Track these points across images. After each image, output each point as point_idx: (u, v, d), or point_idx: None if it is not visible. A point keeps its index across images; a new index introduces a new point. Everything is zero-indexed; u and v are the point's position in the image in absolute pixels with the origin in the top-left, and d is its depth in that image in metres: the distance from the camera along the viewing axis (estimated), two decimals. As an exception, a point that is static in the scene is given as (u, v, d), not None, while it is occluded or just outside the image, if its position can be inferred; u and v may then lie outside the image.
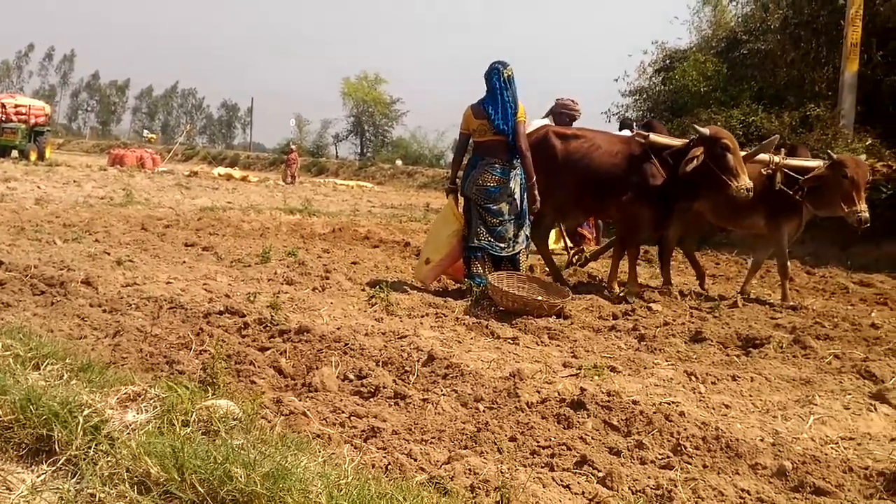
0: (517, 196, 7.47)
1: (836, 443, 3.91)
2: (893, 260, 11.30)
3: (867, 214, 7.40)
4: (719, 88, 18.97)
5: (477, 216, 7.44)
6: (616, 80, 23.30)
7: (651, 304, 7.18)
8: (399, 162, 51.53)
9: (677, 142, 7.72)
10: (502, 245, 7.44)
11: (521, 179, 7.51)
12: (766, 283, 9.58)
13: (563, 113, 8.39)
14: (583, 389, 4.31)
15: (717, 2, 24.58)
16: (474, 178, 7.41)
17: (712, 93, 18.98)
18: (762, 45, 19.43)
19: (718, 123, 14.87)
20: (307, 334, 5.22)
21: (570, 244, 9.53)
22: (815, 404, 4.46)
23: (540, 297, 6.76)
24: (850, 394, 4.73)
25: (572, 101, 8.76)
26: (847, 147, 12.81)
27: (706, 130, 7.37)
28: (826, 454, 3.67)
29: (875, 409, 4.46)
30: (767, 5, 20.73)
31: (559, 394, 4.35)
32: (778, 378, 4.98)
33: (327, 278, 7.72)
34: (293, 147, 38.26)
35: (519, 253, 7.56)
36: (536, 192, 7.37)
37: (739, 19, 22.94)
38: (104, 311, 5.80)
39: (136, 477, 2.66)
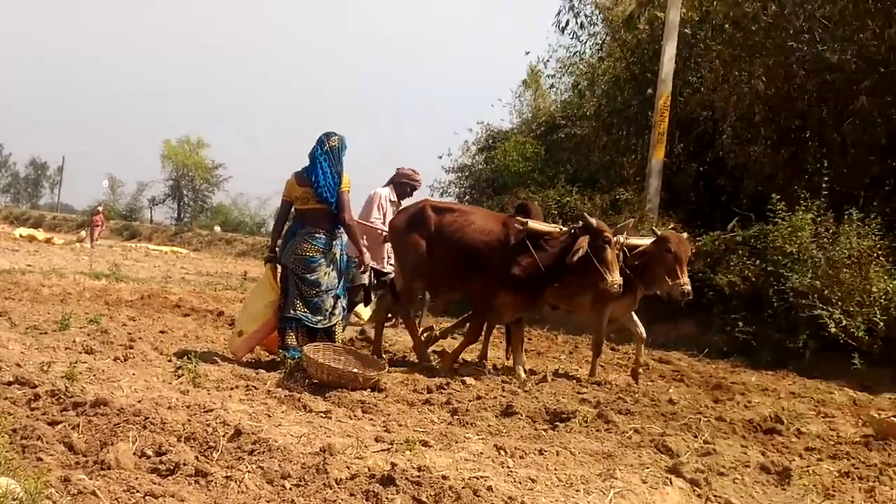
0: (337, 267, 7.40)
1: (635, 516, 4.03)
2: (689, 339, 11.99)
3: (689, 287, 7.80)
4: (537, 169, 19.80)
5: (294, 286, 7.29)
6: (440, 158, 23.91)
7: (465, 379, 7.24)
8: (218, 228, 50.39)
9: (555, 228, 7.79)
10: (318, 317, 7.32)
11: (342, 250, 7.46)
12: (575, 358, 9.91)
13: (404, 183, 8.44)
14: (393, 465, 4.25)
15: (538, 87, 25.83)
16: (293, 247, 7.28)
17: (531, 173, 19.77)
18: (578, 130, 20.50)
19: (536, 202, 15.50)
20: (104, 407, 4.89)
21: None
22: (616, 478, 4.58)
23: (355, 370, 6.69)
24: (648, 467, 4.90)
25: (413, 170, 8.84)
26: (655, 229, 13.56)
27: (593, 221, 7.41)
28: (625, 527, 3.76)
29: (671, 482, 4.63)
30: (584, 93, 21.95)
31: (369, 469, 4.27)
32: (582, 452, 5.10)
33: (131, 347, 7.34)
34: (99, 209, 36.66)
35: (335, 325, 7.47)
36: (366, 259, 7.44)
37: (558, 105, 24.17)
38: None
39: None
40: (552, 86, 25.55)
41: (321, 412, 5.69)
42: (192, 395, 5.76)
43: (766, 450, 5.61)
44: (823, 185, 12.24)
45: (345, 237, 7.52)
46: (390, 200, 9.00)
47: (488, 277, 7.60)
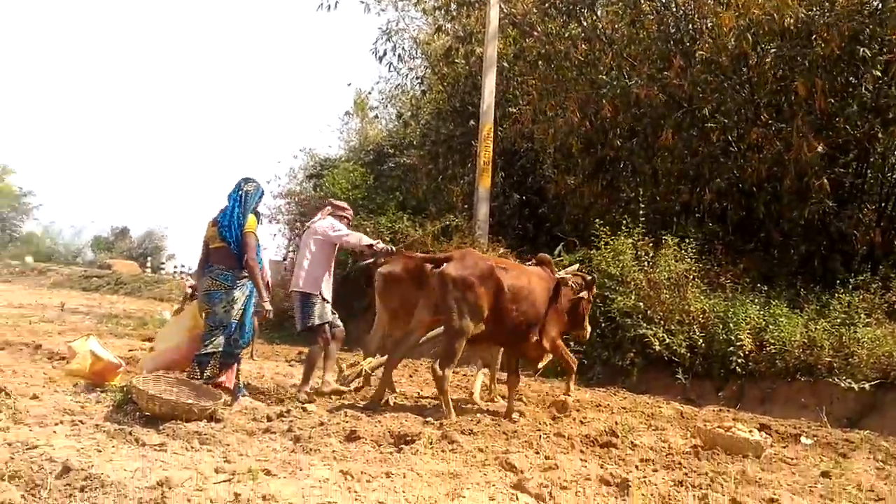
0: (238, 306, 7.28)
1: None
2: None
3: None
4: (367, 196, 19.83)
5: (205, 324, 7.32)
6: (268, 182, 23.55)
7: (306, 405, 7.11)
8: (30, 259, 47.42)
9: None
10: (227, 349, 7.26)
11: (249, 289, 7.36)
12: (415, 381, 9.94)
13: (341, 216, 8.27)
14: (237, 495, 4.12)
15: (364, 116, 25.97)
16: (202, 285, 7.37)
17: (361, 200, 19.77)
18: (405, 158, 20.70)
19: (368, 230, 15.48)
20: (-88, 448, 4.49)
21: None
22: (464, 497, 4.63)
23: (189, 401, 6.43)
24: (494, 485, 4.97)
25: (344, 205, 8.66)
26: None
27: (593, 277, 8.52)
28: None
29: (517, 498, 4.72)
30: (408, 123, 22.25)
31: (212, 501, 4.12)
32: (429, 473, 5.10)
33: (-61, 384, 6.76)
34: None
35: (208, 356, 7.22)
36: (266, 303, 7.36)
37: (385, 134, 24.38)
38: None
39: None
40: (376, 116, 25.80)
41: (155, 445, 5.42)
42: (13, 432, 5.36)
43: (604, 463, 5.82)
44: (640, 212, 12.92)
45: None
46: None
47: (542, 327, 7.74)
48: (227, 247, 7.25)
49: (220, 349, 7.22)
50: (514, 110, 17.62)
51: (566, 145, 15.85)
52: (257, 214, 7.48)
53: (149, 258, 52.88)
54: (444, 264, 7.32)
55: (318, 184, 22.36)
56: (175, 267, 43.81)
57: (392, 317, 8.51)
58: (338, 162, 23.14)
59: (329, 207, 8.48)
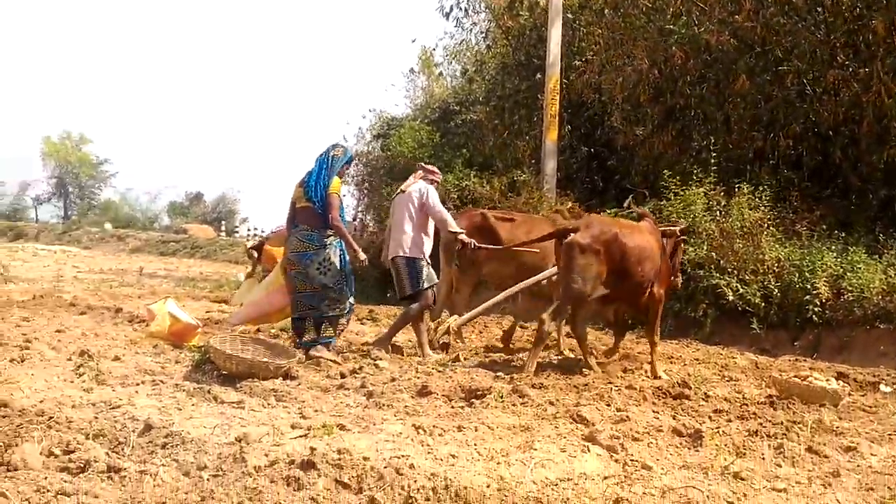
0: (334, 264, 7.44)
1: (556, 484, 4.07)
2: (594, 314, 12.18)
3: None
4: (434, 155, 19.79)
5: (293, 287, 7.48)
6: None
7: (378, 362, 7.21)
8: (109, 225, 48.82)
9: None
10: (321, 309, 7.41)
11: (339, 247, 7.53)
12: (485, 337, 9.98)
13: (432, 180, 8.35)
14: (313, 449, 4.19)
15: (430, 73, 25.83)
16: (289, 245, 7.50)
17: (427, 159, 19.76)
18: (472, 115, 20.57)
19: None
20: (4, 409, 4.71)
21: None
22: (535, 449, 4.64)
23: (265, 359, 6.58)
24: (565, 437, 4.98)
25: (434, 168, 8.73)
26: (551, 209, 13.76)
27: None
28: (548, 495, 3.81)
29: (588, 450, 4.72)
30: (473, 79, 22.06)
31: (288, 456, 4.19)
32: (500, 426, 5.13)
33: (27, 348, 7.04)
34: None
35: (338, 317, 7.50)
36: (361, 256, 7.53)
37: (450, 91, 24.24)
38: None
39: None
40: (441, 73, 25.61)
41: (233, 403, 5.57)
42: (97, 393, 5.57)
43: (676, 414, 5.77)
44: (712, 161, 12.65)
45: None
46: None
47: (658, 283, 7.82)
48: (312, 207, 7.42)
49: (320, 312, 7.39)
50: (581, 62, 17.31)
51: (634, 95, 15.52)
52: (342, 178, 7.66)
53: (223, 222, 53.91)
54: (573, 233, 7.36)
55: (385, 144, 22.38)
56: (248, 230, 44.50)
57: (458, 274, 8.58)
58: (404, 121, 23.10)
59: (420, 171, 8.48)
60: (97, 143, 65.43)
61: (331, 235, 7.46)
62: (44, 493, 3.46)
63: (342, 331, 7.84)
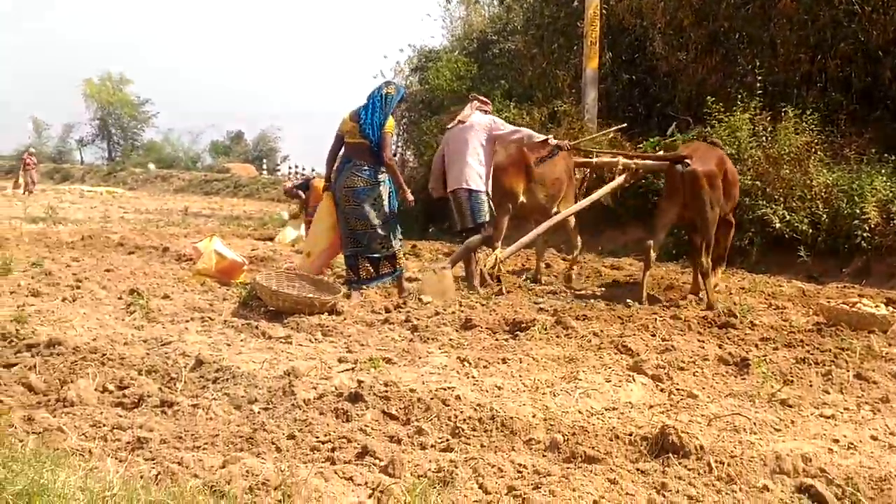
0: (385, 200, 7.44)
1: (602, 413, 4.10)
2: (638, 244, 12.10)
3: None
4: (472, 87, 19.56)
5: (344, 221, 7.43)
6: (374, 78, 23.48)
7: (422, 297, 7.24)
8: (152, 166, 49.28)
9: None
10: (375, 247, 7.42)
11: (389, 186, 7.51)
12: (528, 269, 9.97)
13: (486, 111, 8.29)
14: (360, 382, 4.26)
15: (469, 2, 25.30)
16: (342, 180, 7.40)
17: (466, 91, 19.54)
18: (510, 45, 20.23)
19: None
20: (59, 347, 4.82)
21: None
22: (580, 379, 4.67)
23: (311, 295, 6.64)
24: (610, 367, 5.00)
25: (486, 100, 8.65)
26: (592, 140, 13.59)
27: None
28: (594, 425, 3.83)
29: (633, 379, 4.73)
30: (511, 7, 21.63)
31: (336, 388, 4.27)
32: (544, 357, 5.16)
33: (79, 288, 7.19)
34: (32, 150, 34.44)
35: (395, 253, 7.55)
36: (409, 196, 7.53)
37: (487, 20, 23.80)
38: None
39: None
40: (478, 1, 25.11)
41: (281, 338, 5.66)
42: (148, 330, 5.68)
43: (722, 343, 5.76)
44: (757, 85, 12.35)
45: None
46: None
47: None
48: (368, 144, 7.35)
49: (370, 251, 7.41)
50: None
51: (677, 19, 15.14)
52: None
53: (264, 160, 54.15)
54: (689, 163, 7.46)
55: (423, 77, 22.15)
56: (289, 168, 44.63)
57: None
58: (442, 53, 22.81)
59: (476, 102, 8.36)
60: (138, 84, 65.42)
61: (384, 173, 7.43)
62: (100, 427, 3.56)
63: (401, 269, 7.78)
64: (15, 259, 8.45)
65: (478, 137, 7.88)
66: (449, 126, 8.36)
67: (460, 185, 7.83)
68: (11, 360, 4.63)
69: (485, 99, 8.50)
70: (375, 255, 7.41)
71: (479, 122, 7.96)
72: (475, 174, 7.81)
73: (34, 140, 61.84)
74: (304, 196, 13.91)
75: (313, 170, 37.75)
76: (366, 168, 7.35)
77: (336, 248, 7.68)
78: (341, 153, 7.58)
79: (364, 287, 7.42)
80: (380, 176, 7.39)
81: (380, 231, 7.36)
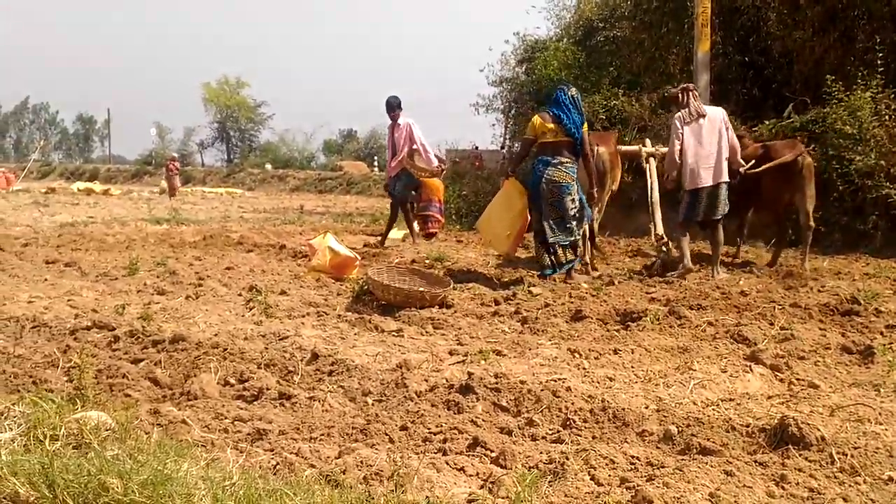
0: (577, 197, 7.97)
1: (718, 404, 4.01)
2: (755, 230, 11.72)
3: None
4: (580, 76, 19.34)
5: (547, 212, 7.92)
6: (481, 71, 23.49)
7: (532, 288, 7.24)
8: (269, 166, 50.77)
9: None
10: (569, 237, 7.96)
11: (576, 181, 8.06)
12: (638, 261, 9.82)
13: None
14: (470, 374, 4.29)
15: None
16: (549, 175, 7.90)
17: (573, 80, 19.33)
18: (617, 31, 19.90)
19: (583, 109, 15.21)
20: (183, 343, 5.03)
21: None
22: (695, 370, 4.58)
23: (421, 289, 6.73)
24: (726, 357, 4.89)
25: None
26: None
27: None
28: (709, 416, 3.76)
29: (751, 369, 4.61)
30: (618, -8, 21.27)
31: (447, 380, 4.32)
32: (657, 348, 5.09)
33: (201, 285, 7.48)
34: (175, 155, 35.31)
35: (577, 241, 8.09)
36: (595, 190, 8.28)
37: (594, 7, 23.48)
38: (-40, 335, 5.42)
39: (4, 499, 2.46)
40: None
41: (393, 331, 5.75)
42: (266, 325, 5.86)
43: (845, 331, 5.55)
44: (878, 62, 11.79)
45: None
46: None
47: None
48: (571, 141, 7.93)
49: (566, 237, 7.89)
50: (732, -36, 16.41)
51: (792, -3, 14.62)
52: None
53: (375, 157, 54.90)
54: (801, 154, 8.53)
55: (529, 68, 22.03)
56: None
57: None
58: (548, 43, 22.63)
59: (694, 92, 8.50)
60: (254, 87, 67.64)
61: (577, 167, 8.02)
62: (222, 419, 3.70)
63: (581, 256, 8.32)
64: (141, 259, 8.86)
65: (723, 131, 8.23)
66: (685, 119, 8.31)
67: (723, 178, 8.13)
68: (139, 356, 4.86)
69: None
70: (565, 243, 7.95)
71: (717, 116, 8.32)
72: (726, 166, 8.19)
73: (157, 144, 64.47)
74: (415, 193, 14.07)
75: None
76: (569, 164, 7.91)
77: (523, 232, 8.40)
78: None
79: (556, 272, 7.92)
80: (577, 173, 7.95)
81: (573, 221, 7.86)
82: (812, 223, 8.58)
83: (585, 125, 8.13)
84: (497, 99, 23.02)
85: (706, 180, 8.09)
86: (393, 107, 11.33)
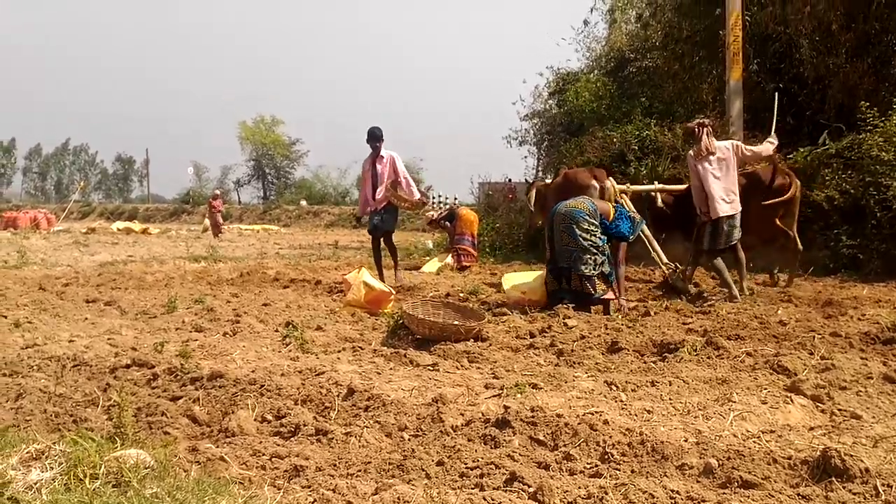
0: (594, 221, 8.15)
1: (758, 436, 3.95)
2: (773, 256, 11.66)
3: None
4: (611, 106, 19.37)
5: (559, 239, 8.12)
6: (514, 104, 23.67)
7: (567, 320, 7.22)
8: (304, 202, 51.21)
9: None
10: (582, 266, 8.00)
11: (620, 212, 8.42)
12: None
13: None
14: (506, 408, 4.27)
15: (612, 20, 25.05)
16: (561, 208, 8.20)
17: (605, 111, 19.37)
18: (648, 62, 19.95)
19: (615, 140, 15.20)
20: (220, 379, 5.06)
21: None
22: (734, 401, 4.52)
23: (456, 322, 6.73)
24: (765, 388, 4.81)
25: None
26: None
27: None
28: (750, 448, 3.70)
29: (791, 400, 4.54)
30: (648, 23, 21.34)
31: (483, 415, 4.30)
32: (695, 379, 5.04)
33: (238, 322, 7.54)
34: (217, 192, 35.49)
35: (592, 275, 8.07)
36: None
37: (624, 39, 23.56)
38: (3, 374, 5.50)
39: (45, 540, 2.49)
40: (615, 21, 24.86)
41: (428, 365, 5.75)
42: (303, 361, 5.89)
43: (887, 360, 5.45)
44: (914, 87, 11.71)
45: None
46: None
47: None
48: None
49: (579, 266, 7.89)
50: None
51: (824, 23, 14.56)
52: None
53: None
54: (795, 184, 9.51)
55: (561, 100, 22.13)
56: (434, 197, 45.21)
57: None
58: (579, 75, 22.73)
59: (708, 128, 8.80)
60: (288, 124, 68.54)
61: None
62: (259, 455, 3.71)
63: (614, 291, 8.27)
64: (179, 297, 8.97)
65: (731, 162, 8.67)
66: (700, 155, 8.73)
67: (739, 207, 8.64)
68: (177, 394, 4.91)
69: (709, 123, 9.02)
70: (582, 272, 7.93)
71: (728, 149, 8.72)
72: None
73: (195, 184, 65.31)
74: (449, 226, 14.15)
75: (455, 198, 38.16)
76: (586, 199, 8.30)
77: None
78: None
79: (567, 299, 7.92)
80: (595, 205, 8.29)
81: (588, 253, 7.98)
82: (800, 245, 9.57)
83: (611, 210, 8.24)
84: (529, 132, 23.13)
85: (726, 210, 8.50)
86: (378, 138, 11.18)
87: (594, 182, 9.95)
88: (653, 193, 10.88)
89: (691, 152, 8.80)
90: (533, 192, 12.05)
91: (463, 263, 13.55)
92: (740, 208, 8.61)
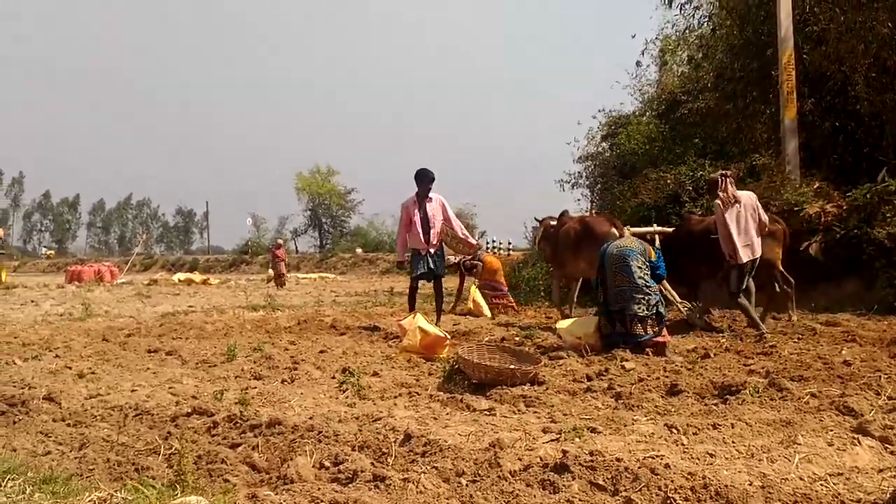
0: (644, 260, 8.26)
1: (825, 479, 3.86)
2: (854, 298, 11.42)
3: None
4: (664, 148, 19.30)
5: (612, 281, 8.20)
6: (568, 144, 23.75)
7: (624, 363, 7.14)
8: (359, 250, 51.68)
9: None
10: (636, 307, 8.04)
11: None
12: (737, 332, 9.60)
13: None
14: (565, 452, 4.22)
15: (664, 62, 25.06)
16: (611, 248, 8.37)
17: (658, 152, 19.30)
18: (700, 103, 19.85)
19: (668, 181, 15.13)
20: (279, 426, 5.09)
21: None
22: (799, 444, 4.42)
23: (512, 366, 6.70)
24: (831, 430, 4.70)
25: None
26: (795, 192, 13.03)
27: None
28: (817, 491, 3.62)
29: (859, 442, 4.42)
30: (700, 64, 21.30)
31: (541, 459, 4.26)
32: (758, 422, 4.94)
33: (296, 369, 7.60)
34: (280, 241, 35.57)
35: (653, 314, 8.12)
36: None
37: (676, 80, 23.53)
38: (68, 424, 5.63)
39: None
40: (665, 62, 24.87)
41: (485, 410, 5.72)
42: (360, 407, 5.90)
43: (958, 399, 5.28)
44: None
45: None
46: None
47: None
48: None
49: (658, 307, 7.93)
50: (815, 30, 16.28)
51: (880, 59, 14.39)
52: None
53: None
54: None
55: (613, 143, 22.14)
56: (487, 243, 45.29)
57: None
58: (631, 117, 22.72)
59: (730, 179, 9.26)
60: (344, 174, 69.52)
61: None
62: (318, 502, 3.72)
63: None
64: (239, 346, 9.08)
65: (753, 212, 9.13)
66: (727, 203, 9.16)
67: (758, 253, 9.13)
68: (237, 441, 4.95)
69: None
70: (634, 313, 7.93)
71: (750, 199, 9.23)
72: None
73: (253, 234, 66.35)
74: (474, 271, 14.41)
75: (510, 243, 38.16)
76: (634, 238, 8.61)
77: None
78: None
79: (622, 342, 7.94)
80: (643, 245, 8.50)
81: (642, 293, 8.02)
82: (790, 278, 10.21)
83: (652, 251, 8.30)
84: (583, 175, 23.15)
85: (749, 255, 8.98)
86: (431, 179, 11.07)
87: (613, 230, 10.05)
88: (649, 236, 11.30)
89: (718, 202, 9.13)
90: (541, 229, 12.72)
91: (502, 310, 13.85)
92: (760, 253, 9.09)
